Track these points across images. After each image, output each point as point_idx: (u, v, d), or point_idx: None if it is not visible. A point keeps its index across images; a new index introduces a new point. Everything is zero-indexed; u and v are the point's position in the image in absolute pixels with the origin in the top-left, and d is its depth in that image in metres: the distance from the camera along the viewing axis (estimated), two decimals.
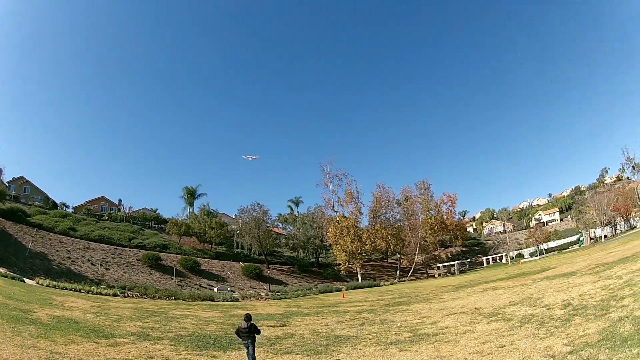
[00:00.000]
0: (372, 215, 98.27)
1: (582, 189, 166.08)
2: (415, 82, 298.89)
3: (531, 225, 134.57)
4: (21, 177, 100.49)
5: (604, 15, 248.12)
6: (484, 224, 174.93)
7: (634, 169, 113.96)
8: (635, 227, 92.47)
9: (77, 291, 41.63)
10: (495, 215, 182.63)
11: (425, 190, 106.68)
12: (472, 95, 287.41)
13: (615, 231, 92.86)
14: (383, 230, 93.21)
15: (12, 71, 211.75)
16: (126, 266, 64.77)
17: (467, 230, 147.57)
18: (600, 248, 57.30)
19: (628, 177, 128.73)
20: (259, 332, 14.10)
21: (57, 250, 61.05)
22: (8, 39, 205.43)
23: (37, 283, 42.04)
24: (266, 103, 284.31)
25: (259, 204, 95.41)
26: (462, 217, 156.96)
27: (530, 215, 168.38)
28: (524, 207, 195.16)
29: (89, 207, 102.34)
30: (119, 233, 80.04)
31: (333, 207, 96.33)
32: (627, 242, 52.35)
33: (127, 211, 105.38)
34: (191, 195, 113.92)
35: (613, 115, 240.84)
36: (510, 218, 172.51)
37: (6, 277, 39.28)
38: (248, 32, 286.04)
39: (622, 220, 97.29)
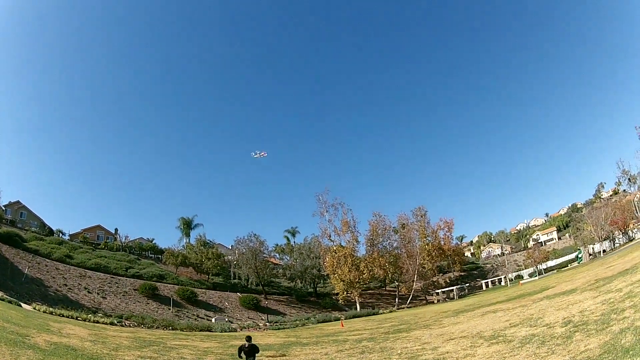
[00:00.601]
0: (369, 244, 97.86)
1: (578, 206, 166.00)
2: (408, 107, 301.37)
3: (529, 246, 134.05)
4: (17, 202, 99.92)
5: (594, 33, 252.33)
6: (482, 248, 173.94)
7: (630, 181, 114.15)
8: (633, 238, 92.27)
9: (74, 318, 41.26)
10: (492, 239, 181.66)
11: (421, 216, 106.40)
12: (464, 119, 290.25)
13: (614, 245, 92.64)
14: (380, 259, 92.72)
15: (12, 96, 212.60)
16: (123, 295, 64.50)
17: (465, 254, 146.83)
18: (600, 263, 56.95)
19: (624, 190, 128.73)
20: (258, 351, 16.12)
21: (54, 277, 60.90)
22: (6, 61, 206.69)
23: (34, 308, 41.70)
24: (262, 135, 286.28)
25: (255, 234, 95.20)
26: (459, 242, 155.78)
27: (527, 236, 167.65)
28: (521, 228, 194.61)
29: (85, 235, 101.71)
30: (116, 262, 79.88)
31: (330, 236, 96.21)
32: (626, 254, 52.09)
33: (123, 240, 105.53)
34: (187, 225, 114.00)
35: (607, 130, 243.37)
36: (507, 240, 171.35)
37: (3, 300, 39.02)
38: (240, 63, 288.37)
39: (620, 233, 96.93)
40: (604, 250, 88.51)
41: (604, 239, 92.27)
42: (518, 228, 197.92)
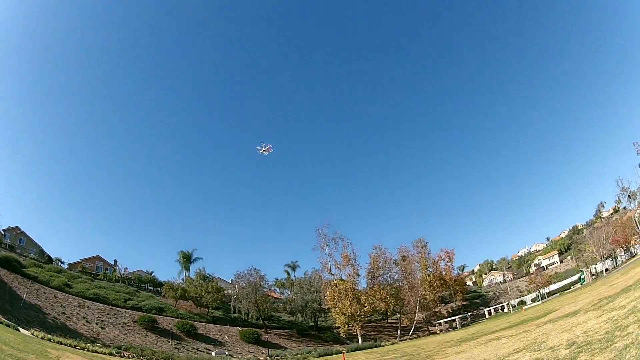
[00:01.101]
0: (370, 277, 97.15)
1: (579, 227, 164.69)
2: (405, 139, 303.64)
3: (531, 272, 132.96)
4: (17, 228, 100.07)
5: (587, 51, 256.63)
6: (483, 276, 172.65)
7: (630, 198, 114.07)
8: (635, 254, 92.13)
9: (72, 347, 40.98)
10: (494, 267, 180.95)
11: (422, 248, 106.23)
12: (461, 150, 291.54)
13: (617, 262, 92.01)
14: (382, 291, 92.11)
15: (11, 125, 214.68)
16: (122, 326, 64.48)
17: (467, 284, 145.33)
18: (603, 282, 56.56)
19: (625, 207, 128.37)
20: None
21: (52, 305, 60.81)
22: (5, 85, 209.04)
23: (32, 334, 41.73)
24: (259, 169, 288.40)
25: (255, 269, 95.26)
26: (460, 272, 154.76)
27: (529, 261, 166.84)
28: (523, 254, 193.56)
29: (84, 265, 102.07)
30: (115, 293, 79.78)
31: (330, 270, 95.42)
32: (628, 271, 52.01)
33: (122, 272, 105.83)
34: (187, 259, 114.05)
35: (604, 150, 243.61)
36: (509, 267, 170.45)
37: (1, 323, 39.12)
38: (237, 107, 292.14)
39: (622, 250, 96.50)
40: (606, 269, 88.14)
41: (606, 258, 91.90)
42: (519, 254, 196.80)
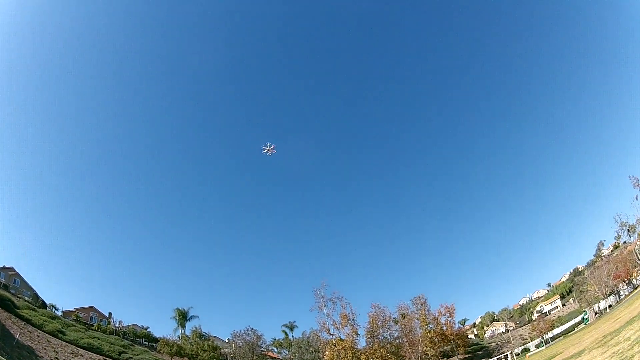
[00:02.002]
0: (369, 336, 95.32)
1: (580, 269, 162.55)
2: (400, 192, 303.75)
3: (533, 319, 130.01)
4: (11, 268, 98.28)
5: (579, 94, 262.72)
6: (485, 328, 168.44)
7: (629, 232, 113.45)
8: (638, 286, 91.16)
9: None
10: (495, 317, 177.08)
11: (421, 305, 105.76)
12: (455, 203, 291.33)
13: (619, 297, 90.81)
14: (382, 349, 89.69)
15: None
16: None
17: (468, 337, 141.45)
18: (606, 319, 55.50)
19: (625, 242, 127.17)
20: None
21: (45, 349, 61.44)
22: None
23: None
24: (258, 230, 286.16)
25: (252, 328, 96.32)
26: (462, 326, 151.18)
27: (531, 309, 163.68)
28: (524, 302, 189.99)
29: (79, 315, 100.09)
30: (109, 345, 79.58)
31: (329, 330, 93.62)
32: (632, 303, 51.55)
33: (117, 325, 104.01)
34: (183, 317, 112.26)
35: (600, 188, 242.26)
36: (511, 317, 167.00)
37: None
38: (235, 162, 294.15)
39: (625, 284, 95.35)
40: (609, 306, 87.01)
41: (609, 295, 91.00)
42: (521, 303, 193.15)
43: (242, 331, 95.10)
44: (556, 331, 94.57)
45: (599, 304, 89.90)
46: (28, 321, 67.55)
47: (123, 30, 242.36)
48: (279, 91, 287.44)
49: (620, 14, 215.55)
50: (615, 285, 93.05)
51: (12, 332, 57.90)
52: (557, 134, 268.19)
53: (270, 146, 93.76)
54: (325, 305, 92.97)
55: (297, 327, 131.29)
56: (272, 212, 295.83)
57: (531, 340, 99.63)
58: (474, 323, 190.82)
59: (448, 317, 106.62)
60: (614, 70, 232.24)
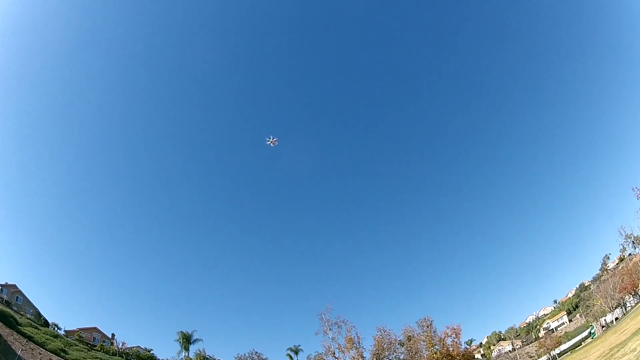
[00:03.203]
0: (375, 359, 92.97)
1: (586, 284, 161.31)
2: (406, 212, 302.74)
3: (540, 336, 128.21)
4: (14, 285, 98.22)
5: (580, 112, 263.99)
6: (492, 348, 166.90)
7: (635, 243, 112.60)
8: None
9: None
10: (502, 337, 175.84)
11: (427, 327, 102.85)
12: (461, 221, 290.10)
13: (626, 309, 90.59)
14: None
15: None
16: None
17: (475, 357, 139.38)
18: (613, 331, 54.94)
19: (630, 254, 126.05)
20: None
21: None
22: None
23: None
24: (261, 252, 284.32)
25: (257, 352, 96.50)
26: (468, 346, 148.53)
27: (537, 326, 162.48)
28: (531, 320, 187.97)
29: (81, 335, 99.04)
30: None
31: (334, 354, 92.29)
32: (637, 314, 50.81)
33: (120, 346, 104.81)
34: (187, 340, 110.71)
35: (603, 201, 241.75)
36: (518, 335, 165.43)
37: None
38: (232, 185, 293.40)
39: (631, 296, 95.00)
40: (616, 318, 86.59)
41: (616, 307, 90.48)
42: (527, 321, 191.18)
43: (247, 355, 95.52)
44: (563, 347, 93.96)
45: (606, 317, 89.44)
46: (30, 338, 67.71)
47: (124, 29, 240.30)
48: (278, 91, 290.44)
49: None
50: (622, 297, 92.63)
51: (13, 348, 58.29)
52: (561, 149, 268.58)
53: (273, 139, 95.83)
54: (330, 329, 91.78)
55: (302, 350, 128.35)
56: (278, 236, 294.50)
57: (538, 358, 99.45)
58: (481, 343, 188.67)
59: (454, 337, 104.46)
60: (616, 83, 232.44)
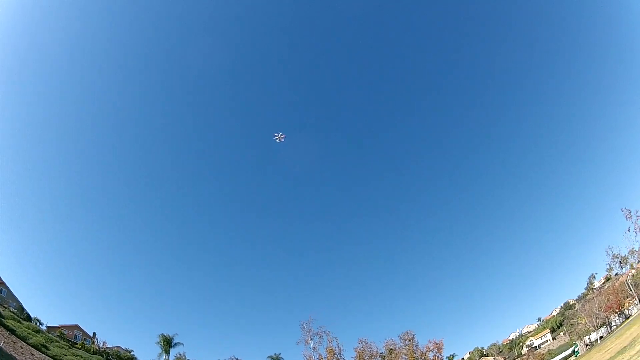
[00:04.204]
0: None
1: (571, 302, 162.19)
2: (389, 226, 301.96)
3: (522, 353, 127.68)
4: None
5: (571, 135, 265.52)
6: None
7: (622, 263, 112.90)
8: (629, 316, 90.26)
9: None
10: (484, 353, 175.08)
11: (409, 340, 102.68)
12: (446, 236, 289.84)
13: (611, 328, 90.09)
14: None
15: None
16: None
17: None
18: (597, 350, 54.56)
19: (617, 274, 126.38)
20: None
21: None
22: None
23: None
24: (246, 256, 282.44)
25: (237, 358, 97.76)
26: None
27: (521, 343, 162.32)
28: (514, 337, 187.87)
29: (63, 332, 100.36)
30: None
31: None
32: (623, 332, 50.55)
33: (100, 346, 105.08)
34: (167, 343, 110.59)
35: (592, 221, 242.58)
36: (500, 352, 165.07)
37: None
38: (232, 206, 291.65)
39: (616, 315, 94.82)
40: (600, 337, 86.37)
41: (600, 326, 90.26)
42: (510, 338, 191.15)
43: None
44: None
45: (590, 336, 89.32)
46: (12, 332, 68.42)
47: (124, 30, 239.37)
48: (280, 91, 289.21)
49: None
50: (607, 316, 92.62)
51: None
52: (548, 167, 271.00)
53: (280, 135, 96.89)
54: (311, 339, 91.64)
55: (282, 359, 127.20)
56: (263, 243, 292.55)
57: None
58: (463, 358, 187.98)
59: (436, 352, 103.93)
60: (608, 102, 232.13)
